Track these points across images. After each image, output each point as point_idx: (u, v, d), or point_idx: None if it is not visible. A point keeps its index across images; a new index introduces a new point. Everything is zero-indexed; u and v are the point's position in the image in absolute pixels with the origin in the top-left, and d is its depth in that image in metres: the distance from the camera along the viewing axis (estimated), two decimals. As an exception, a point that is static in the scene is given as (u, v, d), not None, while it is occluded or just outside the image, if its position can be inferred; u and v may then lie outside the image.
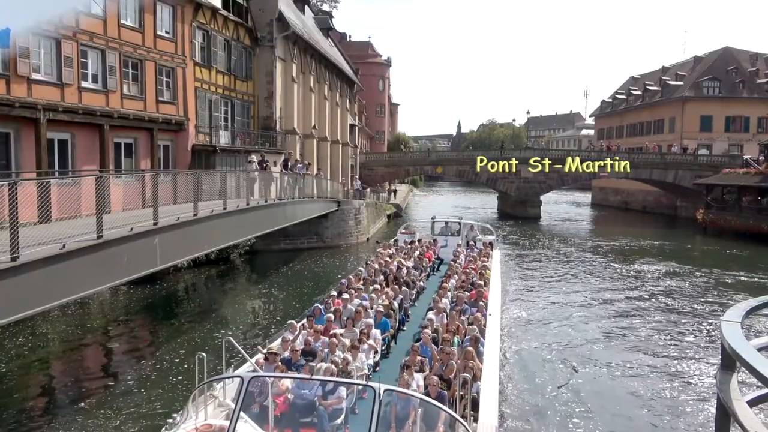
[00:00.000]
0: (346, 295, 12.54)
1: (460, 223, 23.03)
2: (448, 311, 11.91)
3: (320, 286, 18.85)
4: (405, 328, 12.57)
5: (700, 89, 58.29)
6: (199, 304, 20.11)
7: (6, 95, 16.56)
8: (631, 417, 11.41)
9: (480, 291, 12.71)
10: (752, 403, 3.41)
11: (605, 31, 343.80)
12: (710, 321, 17.99)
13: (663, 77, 64.81)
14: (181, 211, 13.65)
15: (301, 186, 24.37)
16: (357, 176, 49.09)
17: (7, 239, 8.35)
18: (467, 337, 9.91)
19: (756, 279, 25.10)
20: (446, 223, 23.52)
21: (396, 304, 12.39)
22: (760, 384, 3.09)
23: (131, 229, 11.36)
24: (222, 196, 16.23)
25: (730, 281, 24.50)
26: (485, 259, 17.60)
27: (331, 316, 11.16)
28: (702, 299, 21.22)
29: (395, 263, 16.64)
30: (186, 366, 13.30)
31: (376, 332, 10.53)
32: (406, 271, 15.86)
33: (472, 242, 21.33)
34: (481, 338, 9.91)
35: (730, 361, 3.44)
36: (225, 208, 15.85)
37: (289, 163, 25.84)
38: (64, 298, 9.99)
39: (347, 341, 9.76)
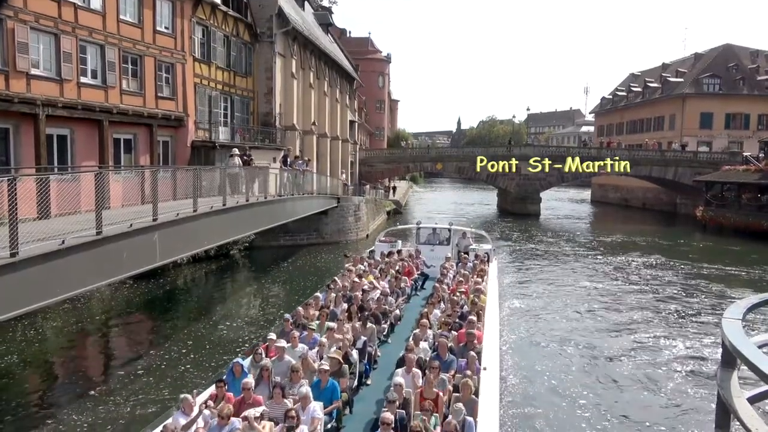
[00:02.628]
0: (282, 343, 8.87)
1: (450, 230, 19.46)
2: (425, 361, 8.70)
3: (322, 281, 18.25)
4: (369, 382, 9.43)
5: (701, 86, 58.25)
6: (199, 300, 20.14)
7: (5, 90, 16.52)
8: (631, 415, 11.41)
9: (471, 333, 9.57)
10: (752, 399, 3.42)
11: (605, 28, 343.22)
12: (710, 318, 18.01)
13: (663, 74, 64.76)
14: (181, 207, 13.65)
15: (300, 182, 24.36)
16: (346, 171, 47.63)
17: (7, 235, 8.33)
18: (449, 418, 6.83)
19: (755, 276, 25.13)
20: (434, 229, 19.76)
21: (355, 355, 9.04)
22: (760, 381, 3.09)
23: (131, 225, 11.36)
24: (221, 192, 16.23)
25: (729, 278, 24.52)
26: (479, 279, 13.99)
27: (250, 381, 7.49)
28: (701, 296, 21.23)
29: (366, 284, 13.44)
30: (187, 358, 13.49)
31: (315, 407, 7.19)
32: (377, 297, 12.36)
33: (464, 253, 18.05)
34: (471, 419, 7.00)
35: (730, 358, 3.44)
36: (224, 205, 15.85)
37: (289, 160, 25.83)
38: (63, 294, 9.98)
39: (268, 427, 6.71)
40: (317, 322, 10.69)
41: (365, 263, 16.01)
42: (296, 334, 9.55)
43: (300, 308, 11.15)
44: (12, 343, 14.40)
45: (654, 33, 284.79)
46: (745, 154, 46.61)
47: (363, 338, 9.85)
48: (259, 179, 19.76)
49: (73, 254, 9.69)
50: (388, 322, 11.79)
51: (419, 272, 16.48)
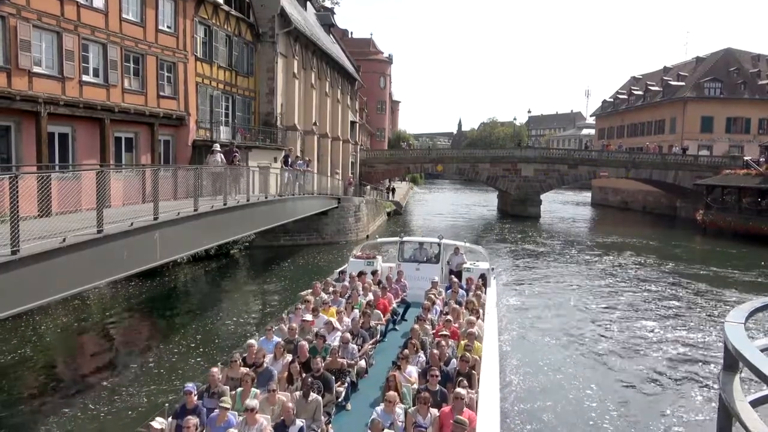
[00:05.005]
0: None
1: (440, 244, 16.04)
2: None
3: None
4: None
5: (702, 90, 58.27)
6: (199, 299, 20.14)
7: (7, 88, 16.53)
8: (632, 417, 11.39)
9: (461, 422, 6.44)
10: (755, 403, 3.41)
11: (607, 31, 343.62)
12: (710, 321, 18.01)
13: (664, 77, 64.78)
14: (182, 206, 13.64)
15: (301, 183, 24.36)
16: (347, 171, 46.16)
17: (8, 233, 8.32)
18: None
19: (756, 280, 25.11)
20: (420, 244, 16.56)
21: None
22: (763, 384, 3.09)
23: (131, 223, 11.34)
24: (222, 191, 16.22)
25: (729, 282, 24.49)
26: (473, 318, 10.53)
27: None
28: (702, 300, 21.21)
29: (323, 323, 10.13)
30: (187, 355, 13.60)
31: None
32: (333, 347, 9.09)
33: (455, 273, 15.19)
34: None
35: (733, 362, 3.43)
36: (225, 204, 15.85)
37: (290, 160, 25.84)
38: (63, 292, 9.97)
39: None
40: (239, 389, 7.25)
41: (330, 290, 12.52)
42: (193, 421, 6.18)
43: (215, 370, 7.48)
44: (19, 339, 14.45)
45: (655, 36, 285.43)
46: (745, 158, 46.66)
47: (300, 423, 6.66)
48: (243, 179, 19.09)
49: (74, 252, 9.67)
50: (348, 382, 8.42)
51: (399, 299, 13.13)
